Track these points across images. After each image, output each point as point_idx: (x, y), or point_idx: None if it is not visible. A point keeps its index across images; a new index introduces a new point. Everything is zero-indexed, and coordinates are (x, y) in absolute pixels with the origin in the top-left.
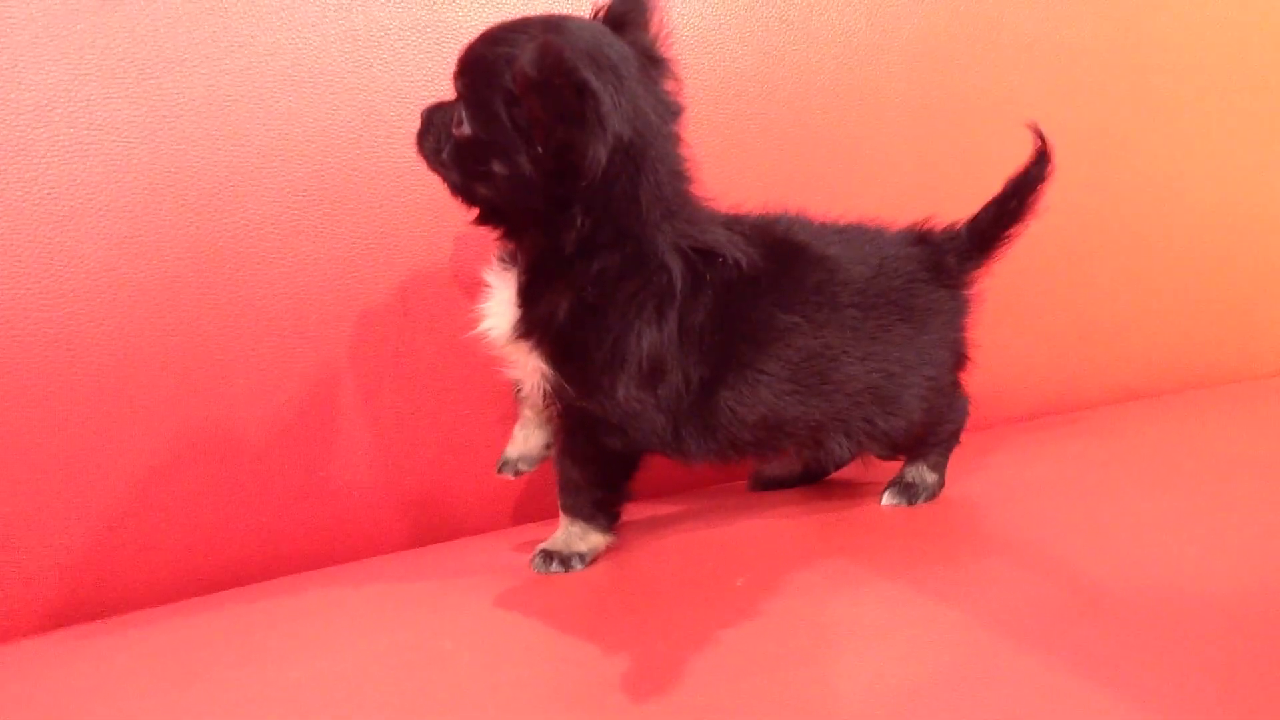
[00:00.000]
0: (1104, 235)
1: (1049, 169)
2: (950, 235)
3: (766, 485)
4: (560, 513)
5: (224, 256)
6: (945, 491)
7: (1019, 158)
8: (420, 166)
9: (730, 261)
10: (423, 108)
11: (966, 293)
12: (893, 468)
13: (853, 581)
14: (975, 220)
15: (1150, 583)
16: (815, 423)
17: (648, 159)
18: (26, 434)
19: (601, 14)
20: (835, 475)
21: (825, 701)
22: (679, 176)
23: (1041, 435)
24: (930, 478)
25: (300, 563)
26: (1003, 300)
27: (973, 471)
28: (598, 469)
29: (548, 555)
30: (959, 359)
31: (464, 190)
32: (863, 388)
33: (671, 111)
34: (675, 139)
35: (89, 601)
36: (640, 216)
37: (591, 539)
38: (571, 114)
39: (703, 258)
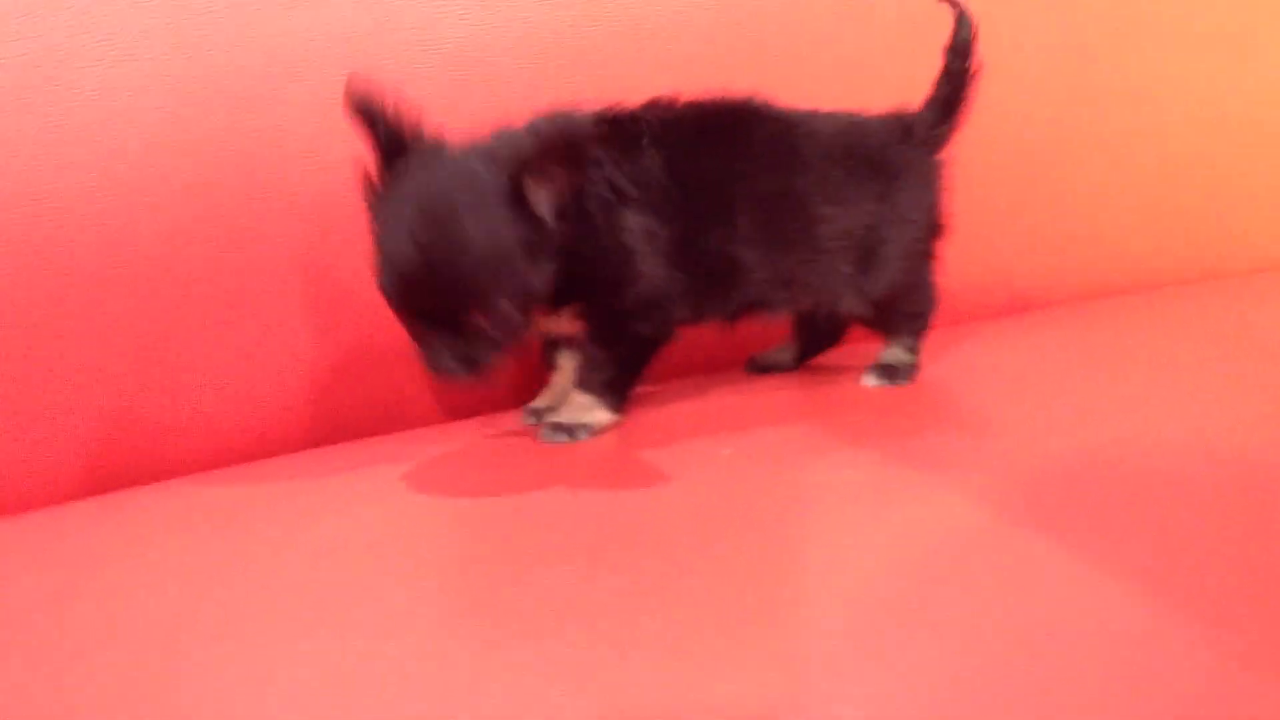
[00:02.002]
0: (1082, 138)
1: (973, 28)
2: (916, 111)
3: (763, 369)
4: (573, 387)
5: (257, 157)
6: (921, 375)
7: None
8: (443, 72)
9: (651, 124)
10: (428, 367)
11: (939, 156)
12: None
13: (832, 450)
14: (933, 95)
15: (1131, 455)
16: (801, 266)
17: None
18: (88, 315)
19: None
20: (824, 361)
21: (796, 557)
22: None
23: (1016, 328)
24: (906, 359)
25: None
26: (983, 200)
27: (948, 359)
28: (622, 351)
29: (556, 426)
30: (935, 225)
31: (518, 344)
32: (841, 232)
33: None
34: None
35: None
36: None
37: (598, 414)
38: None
39: (624, 132)
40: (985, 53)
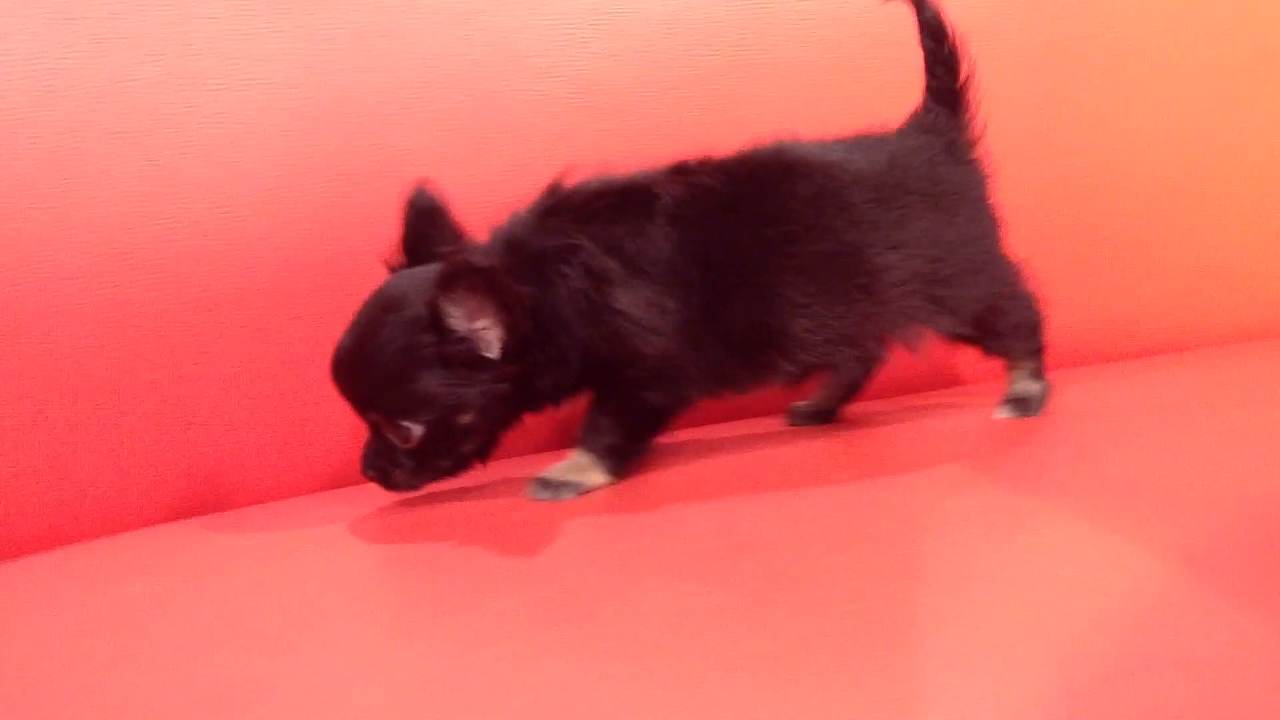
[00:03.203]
0: (1222, 174)
1: (935, 6)
2: (942, 114)
3: (805, 419)
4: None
5: (374, 180)
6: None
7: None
8: (563, 97)
9: (670, 196)
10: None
11: (982, 162)
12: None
13: (949, 478)
14: (932, 87)
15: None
16: (867, 321)
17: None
18: (202, 335)
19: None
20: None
21: (913, 578)
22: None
23: (1156, 369)
24: (1035, 388)
25: None
26: (1122, 238)
27: (1076, 394)
28: (628, 419)
29: (544, 483)
30: (998, 227)
31: (459, 467)
32: (906, 276)
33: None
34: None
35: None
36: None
37: (593, 475)
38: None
39: (633, 205)
40: (1118, 88)
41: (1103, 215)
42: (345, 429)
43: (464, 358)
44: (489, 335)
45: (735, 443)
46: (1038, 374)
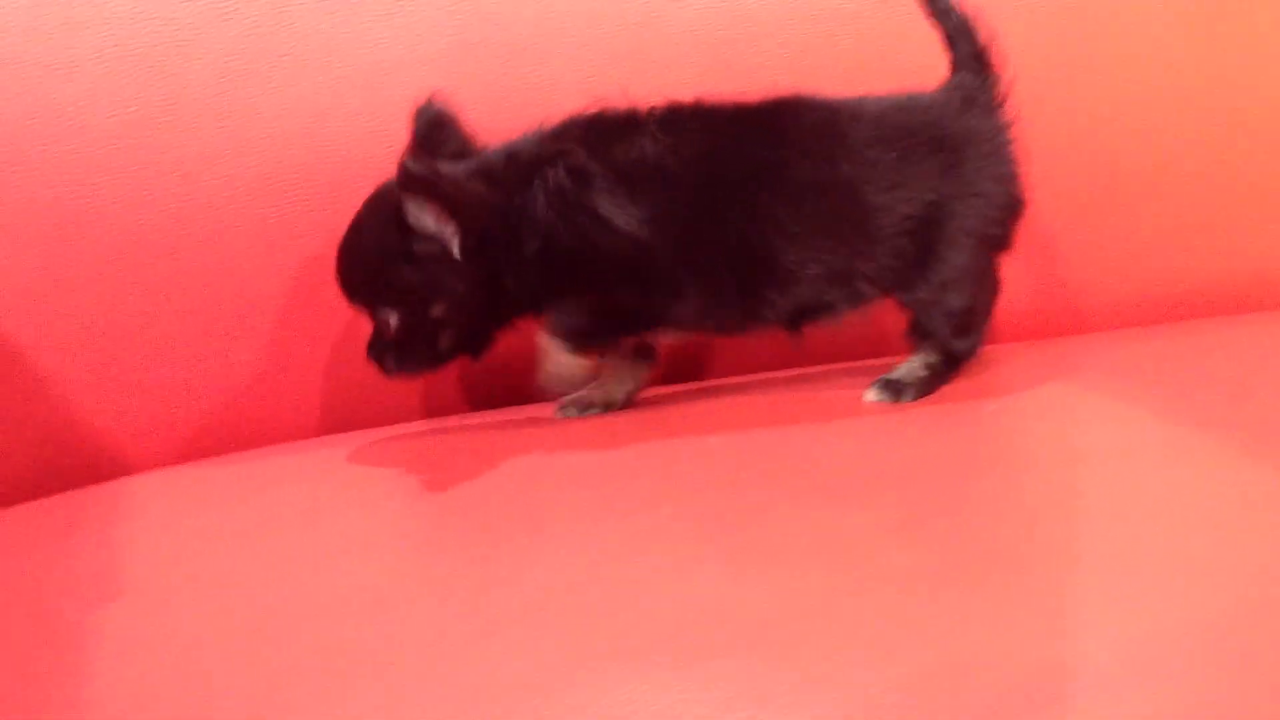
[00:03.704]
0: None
1: None
2: (969, 78)
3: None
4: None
5: (524, 109)
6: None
7: None
8: (719, 28)
9: (660, 112)
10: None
11: (1004, 116)
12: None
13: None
14: (959, 62)
15: None
16: (853, 258)
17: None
18: None
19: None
20: None
21: (1059, 505)
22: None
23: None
24: (922, 373)
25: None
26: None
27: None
28: (595, 305)
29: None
30: (1011, 201)
31: (441, 358)
32: (899, 219)
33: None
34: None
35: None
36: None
37: (560, 358)
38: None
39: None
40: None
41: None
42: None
43: (429, 254)
44: (448, 235)
45: (864, 371)
46: (934, 369)
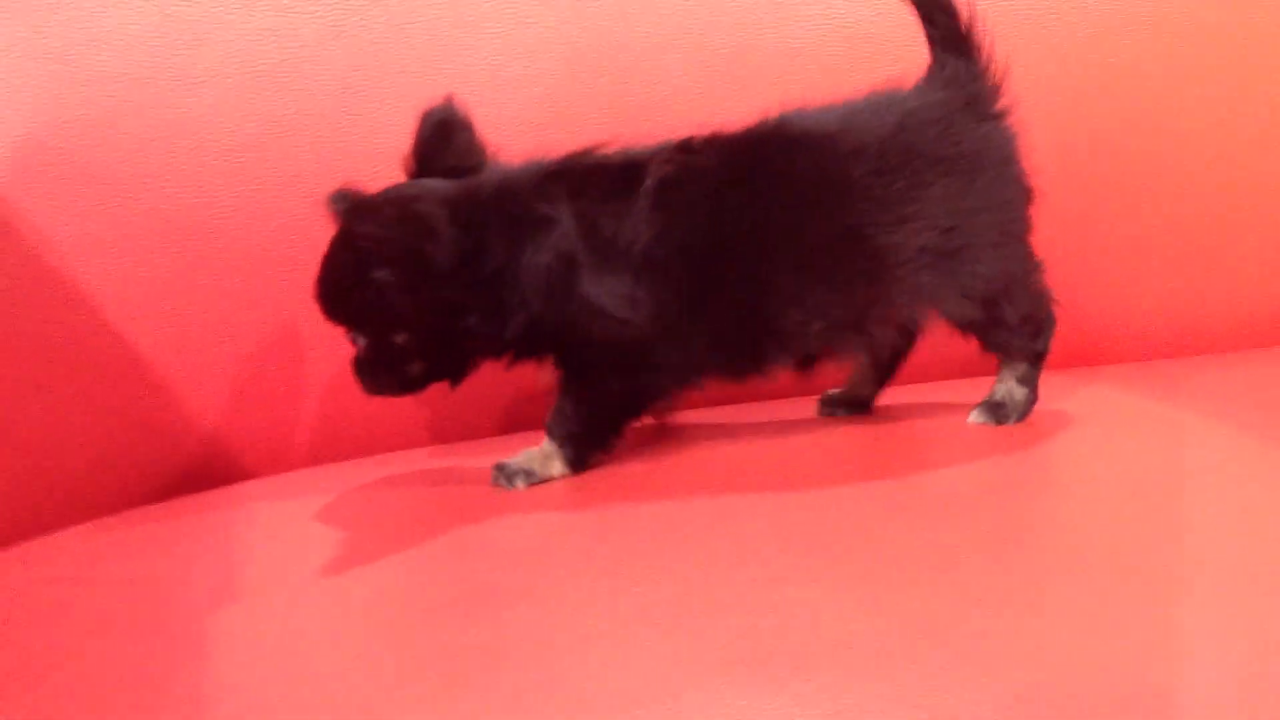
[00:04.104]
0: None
1: None
2: (955, 64)
3: (837, 407)
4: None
5: (639, 123)
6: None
7: None
8: (831, 46)
9: (657, 177)
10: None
11: (1007, 118)
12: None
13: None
14: (940, 41)
15: None
16: (873, 304)
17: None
18: None
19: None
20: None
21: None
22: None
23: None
24: (1020, 393)
25: None
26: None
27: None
28: (591, 407)
29: (500, 467)
30: (1026, 200)
31: (411, 384)
32: (914, 253)
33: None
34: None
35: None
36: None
37: (552, 465)
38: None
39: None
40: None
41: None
42: None
43: (384, 281)
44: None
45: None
46: (1026, 379)
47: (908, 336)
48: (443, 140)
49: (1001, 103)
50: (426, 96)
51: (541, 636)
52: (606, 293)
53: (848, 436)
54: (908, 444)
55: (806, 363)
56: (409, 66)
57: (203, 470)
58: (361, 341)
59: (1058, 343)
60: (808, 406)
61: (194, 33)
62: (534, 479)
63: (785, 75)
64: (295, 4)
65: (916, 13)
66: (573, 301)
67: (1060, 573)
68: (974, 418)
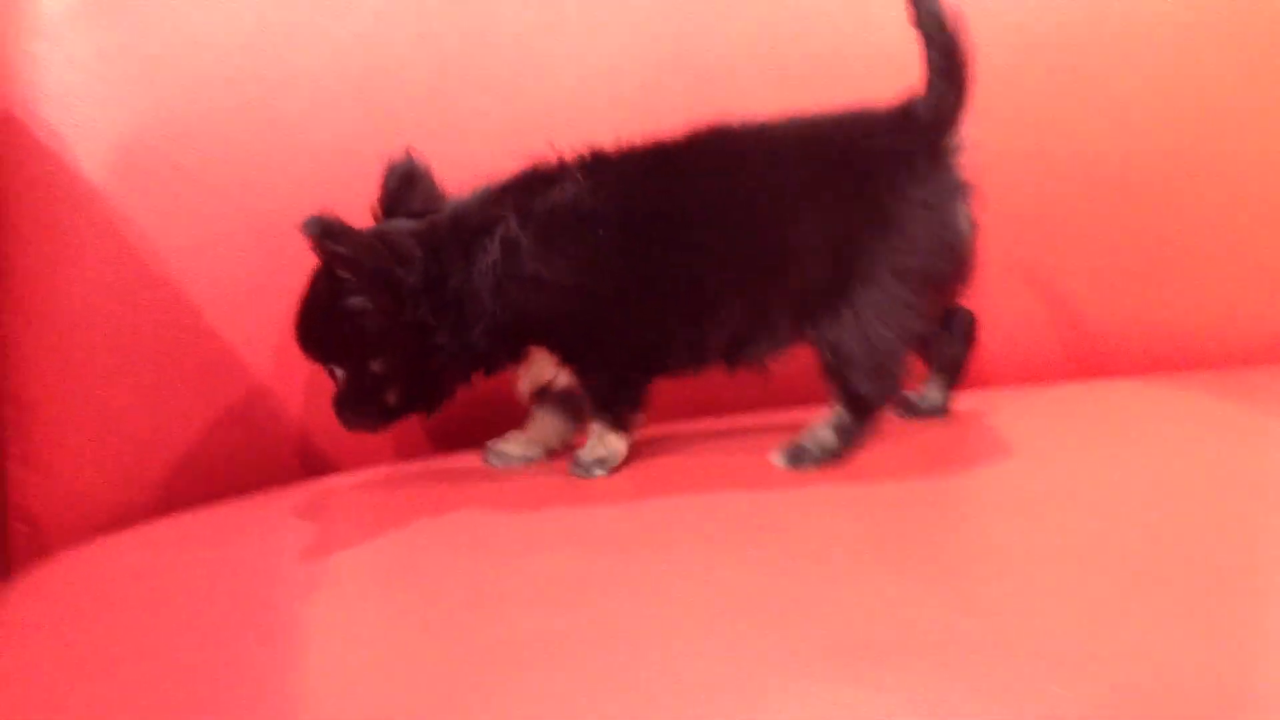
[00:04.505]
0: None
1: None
2: (931, 97)
3: (909, 410)
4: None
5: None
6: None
7: None
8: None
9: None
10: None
11: (952, 154)
12: None
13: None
14: (929, 72)
15: None
16: (780, 302)
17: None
18: None
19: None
20: None
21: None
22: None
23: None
24: (829, 441)
25: None
26: None
27: None
28: (603, 379)
29: (576, 462)
30: (946, 245)
31: (390, 414)
32: (810, 251)
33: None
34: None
35: None
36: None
37: (610, 440)
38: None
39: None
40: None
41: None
42: None
43: (360, 309)
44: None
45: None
46: (843, 431)
47: (960, 337)
48: (406, 189)
49: (949, 135)
50: (509, 106)
51: (624, 625)
52: (550, 266)
53: (917, 435)
54: (980, 443)
55: (731, 356)
56: (493, 73)
57: (294, 463)
58: (340, 374)
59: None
60: None
61: (289, 38)
62: (607, 463)
63: (867, 85)
64: (386, 11)
65: (923, 44)
66: (522, 284)
67: (1152, 575)
68: (774, 458)
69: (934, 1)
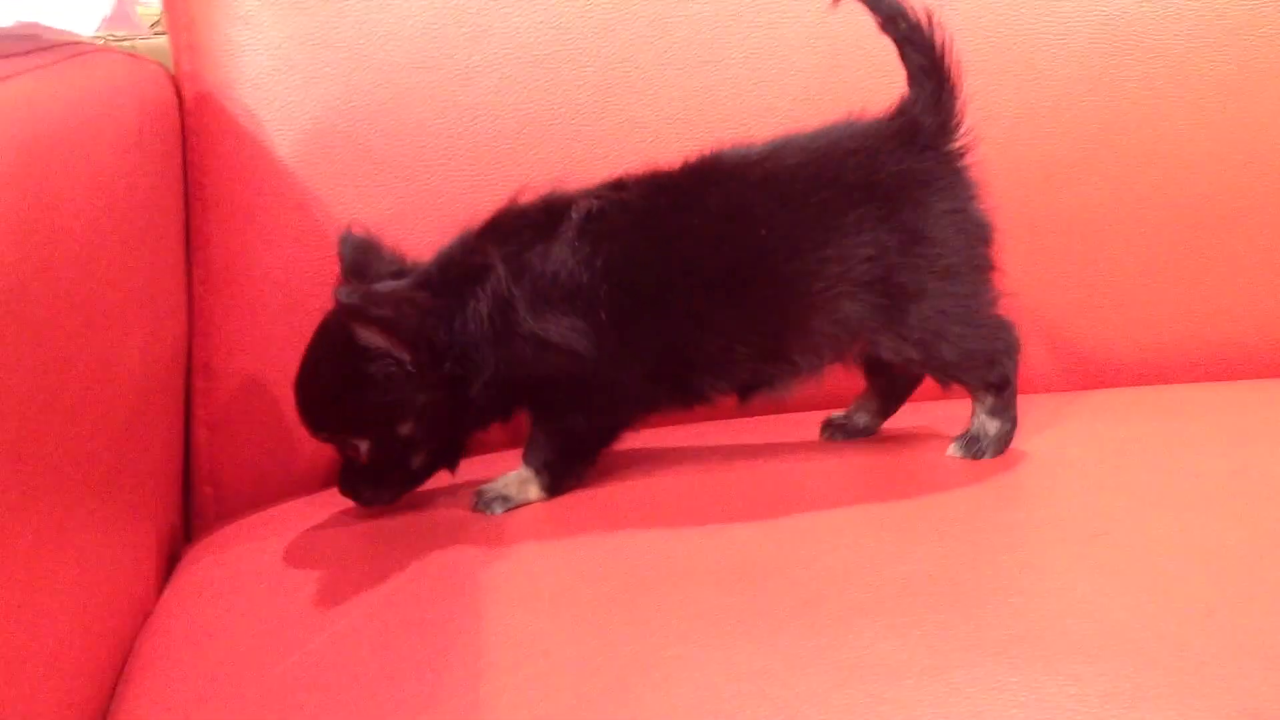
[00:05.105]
0: None
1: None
2: (924, 97)
3: (836, 432)
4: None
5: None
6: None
7: None
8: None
9: (586, 211)
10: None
11: (956, 153)
12: None
13: None
14: (914, 75)
15: None
16: (794, 332)
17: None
18: None
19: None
20: None
21: None
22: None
23: None
24: (992, 426)
25: None
26: None
27: None
28: (561, 438)
29: (479, 494)
30: (975, 237)
31: (416, 478)
32: (831, 282)
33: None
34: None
35: None
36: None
37: (529, 490)
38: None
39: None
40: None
41: None
42: None
43: (386, 373)
44: (399, 351)
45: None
46: (996, 411)
47: (901, 371)
48: (368, 255)
49: (953, 134)
50: (684, 90)
51: (811, 606)
52: (549, 328)
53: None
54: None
55: (745, 392)
56: (671, 60)
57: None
58: (364, 447)
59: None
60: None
61: (475, 24)
62: (510, 504)
63: (1038, 70)
64: (567, 6)
65: (897, 46)
66: (519, 341)
67: None
68: (951, 450)
69: (895, 5)
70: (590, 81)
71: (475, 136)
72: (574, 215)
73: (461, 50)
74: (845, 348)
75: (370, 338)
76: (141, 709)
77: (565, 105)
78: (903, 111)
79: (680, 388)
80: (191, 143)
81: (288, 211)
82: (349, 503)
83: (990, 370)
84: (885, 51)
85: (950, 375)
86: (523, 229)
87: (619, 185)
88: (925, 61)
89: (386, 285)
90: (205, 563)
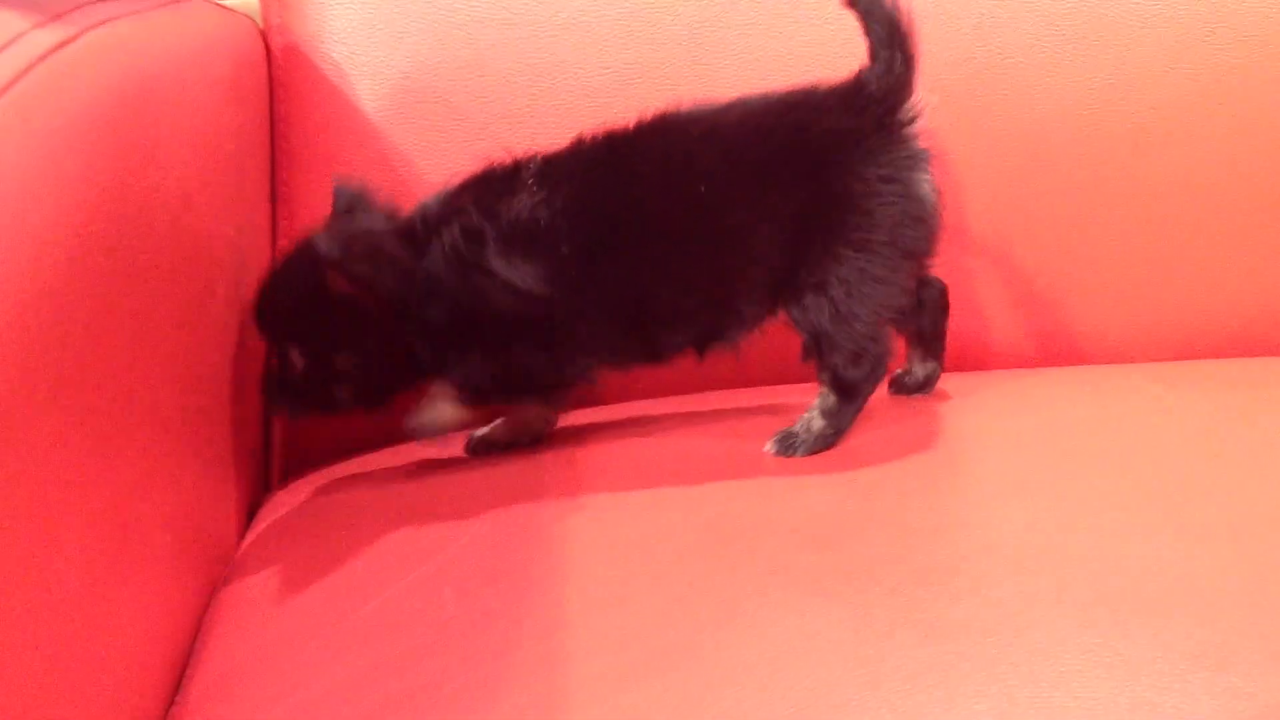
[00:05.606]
0: None
1: None
2: (878, 70)
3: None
4: None
5: (980, 80)
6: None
7: None
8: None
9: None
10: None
11: (902, 120)
12: None
13: None
14: (874, 46)
15: None
16: (741, 290)
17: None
18: None
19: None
20: None
21: None
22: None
23: None
24: (817, 425)
25: None
26: None
27: None
28: (498, 366)
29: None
30: (911, 214)
31: (332, 406)
32: (765, 237)
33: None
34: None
35: None
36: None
37: (444, 410)
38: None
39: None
40: None
41: None
42: None
43: (347, 305)
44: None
45: None
46: (830, 414)
47: (932, 307)
48: (363, 203)
49: (899, 100)
50: (766, 51)
51: (889, 564)
52: (516, 269)
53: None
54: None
55: (702, 346)
56: (754, 21)
57: None
58: (299, 363)
59: None
60: None
61: None
62: (434, 426)
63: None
64: None
65: (860, 17)
66: (478, 275)
67: None
68: (768, 447)
69: None
70: (677, 39)
71: (560, 94)
72: (533, 165)
73: (547, 6)
74: (777, 305)
75: (342, 285)
76: (226, 649)
77: (651, 63)
78: (856, 81)
79: (639, 338)
80: (279, 95)
81: (371, 167)
82: (425, 454)
83: (854, 367)
84: (971, 13)
85: (825, 358)
86: (493, 180)
87: (578, 139)
88: (884, 33)
89: (365, 228)
90: (285, 513)
